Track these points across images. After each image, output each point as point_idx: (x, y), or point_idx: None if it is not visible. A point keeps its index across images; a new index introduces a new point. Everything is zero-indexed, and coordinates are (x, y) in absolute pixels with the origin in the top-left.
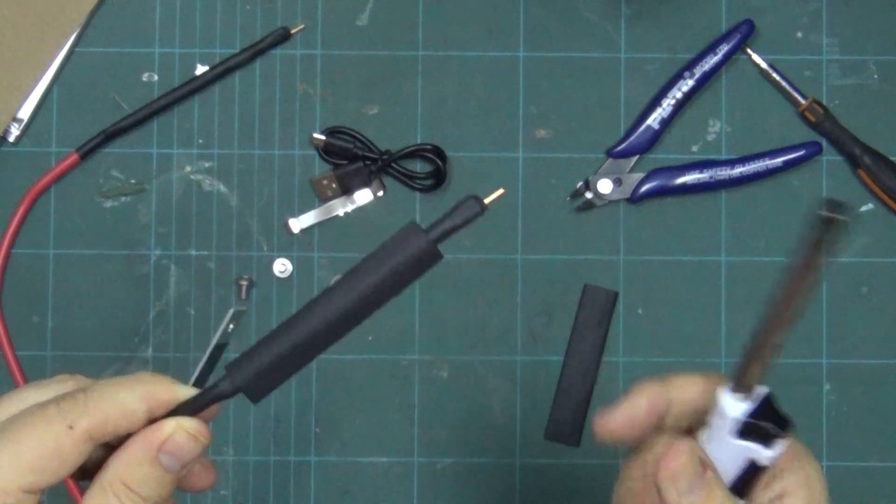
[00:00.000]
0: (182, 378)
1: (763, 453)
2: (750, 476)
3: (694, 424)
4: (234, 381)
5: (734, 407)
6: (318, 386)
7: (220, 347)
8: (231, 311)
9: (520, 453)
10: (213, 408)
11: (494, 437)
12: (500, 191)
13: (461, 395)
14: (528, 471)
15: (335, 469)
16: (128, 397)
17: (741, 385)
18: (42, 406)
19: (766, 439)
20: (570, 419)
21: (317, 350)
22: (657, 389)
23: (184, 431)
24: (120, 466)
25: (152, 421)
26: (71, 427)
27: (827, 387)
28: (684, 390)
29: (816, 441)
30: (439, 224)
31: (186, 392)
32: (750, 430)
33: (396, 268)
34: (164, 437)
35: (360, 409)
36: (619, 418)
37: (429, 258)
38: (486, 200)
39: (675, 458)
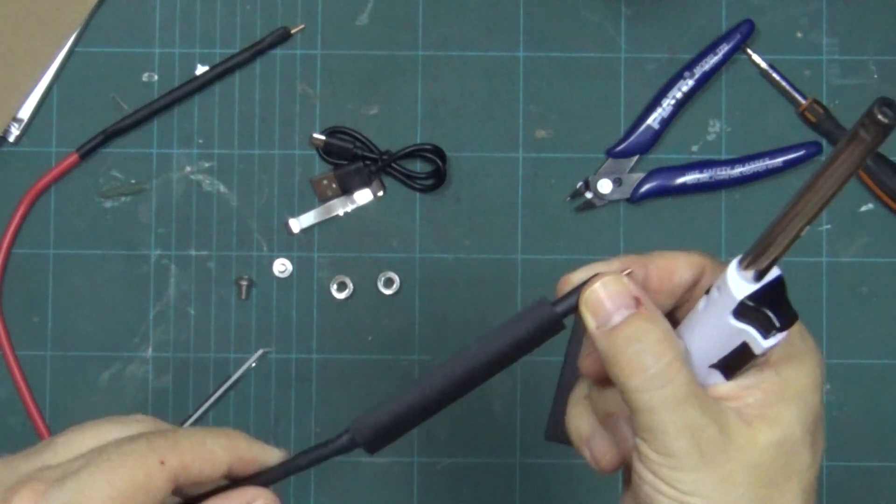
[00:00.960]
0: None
1: (758, 341)
2: (740, 358)
3: (677, 307)
4: (354, 437)
5: (739, 286)
6: (318, 386)
7: (237, 381)
8: (261, 352)
9: (520, 453)
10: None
11: (494, 437)
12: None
13: None
14: (528, 471)
15: (335, 469)
16: (214, 444)
17: (753, 262)
18: (132, 439)
19: (765, 327)
20: None
21: (435, 410)
22: (635, 258)
23: None
24: None
25: (230, 479)
26: (162, 462)
27: (827, 387)
28: (667, 264)
29: None
30: (565, 299)
31: (268, 453)
32: (750, 312)
33: (520, 335)
34: None
35: (360, 409)
36: (586, 274)
37: (551, 328)
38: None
39: (596, 283)
